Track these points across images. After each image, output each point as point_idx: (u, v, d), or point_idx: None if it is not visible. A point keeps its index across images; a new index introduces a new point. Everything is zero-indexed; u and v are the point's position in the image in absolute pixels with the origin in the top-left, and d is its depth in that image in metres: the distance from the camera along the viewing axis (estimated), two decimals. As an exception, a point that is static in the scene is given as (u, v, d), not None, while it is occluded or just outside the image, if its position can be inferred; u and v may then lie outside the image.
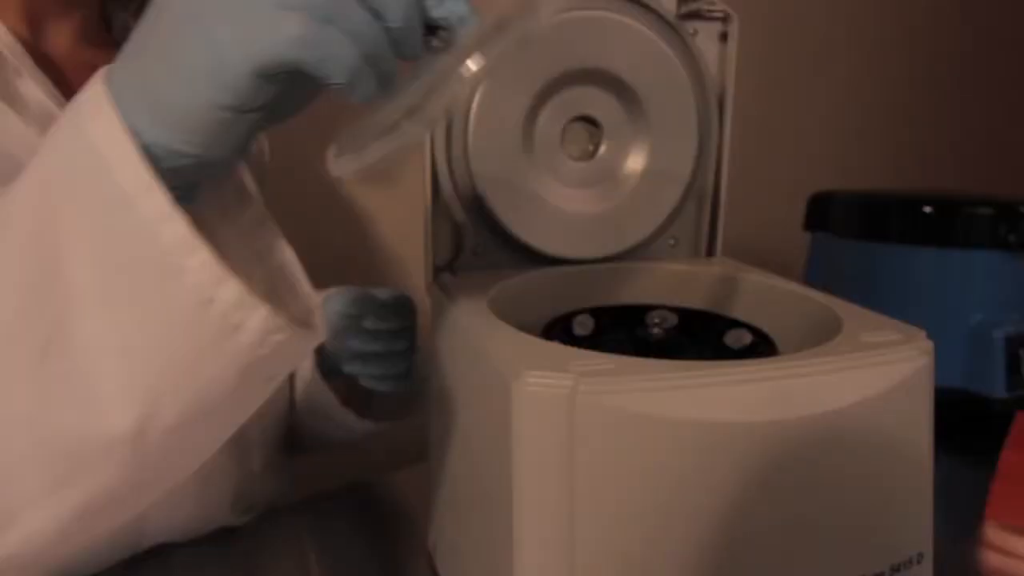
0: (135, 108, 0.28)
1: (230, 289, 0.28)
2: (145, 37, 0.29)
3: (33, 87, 0.46)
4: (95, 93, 0.29)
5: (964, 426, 0.68)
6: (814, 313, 0.43)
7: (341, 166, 0.31)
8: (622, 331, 0.46)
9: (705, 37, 0.54)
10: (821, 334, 0.39)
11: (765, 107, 1.17)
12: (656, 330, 0.45)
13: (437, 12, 0.30)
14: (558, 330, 0.44)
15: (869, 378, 0.36)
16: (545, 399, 0.32)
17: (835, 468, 0.35)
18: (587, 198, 0.53)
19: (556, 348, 0.37)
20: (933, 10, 1.35)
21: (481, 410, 0.39)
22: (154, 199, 0.27)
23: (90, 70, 0.35)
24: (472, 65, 0.28)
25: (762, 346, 0.42)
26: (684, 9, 0.53)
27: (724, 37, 0.54)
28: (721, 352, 0.42)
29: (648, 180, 0.54)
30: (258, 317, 0.29)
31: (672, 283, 0.52)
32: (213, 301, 0.28)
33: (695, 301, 0.50)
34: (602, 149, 0.53)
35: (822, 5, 1.21)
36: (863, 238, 0.75)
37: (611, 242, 0.53)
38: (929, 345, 0.38)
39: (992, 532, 0.57)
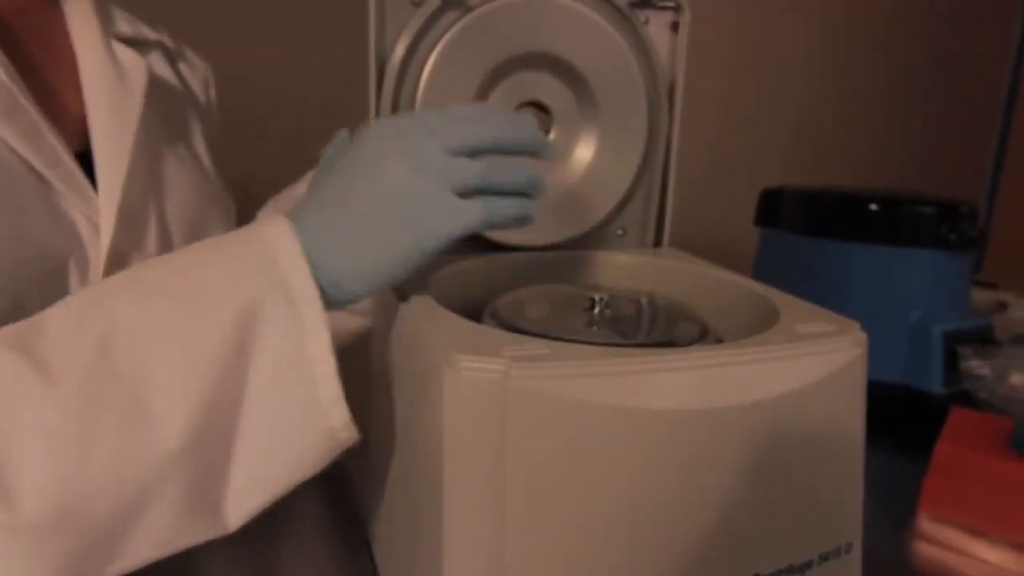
0: (331, 265, 0.36)
1: (345, 419, 0.35)
2: (343, 205, 0.37)
3: None
4: (294, 252, 0.35)
5: (902, 420, 0.69)
6: (752, 303, 0.43)
7: None
8: (567, 317, 0.46)
9: (657, 26, 0.54)
10: (758, 324, 0.39)
11: (722, 103, 1.18)
12: (600, 316, 0.45)
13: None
14: (502, 316, 0.44)
15: (802, 368, 0.36)
16: (476, 384, 0.31)
17: (768, 456, 0.35)
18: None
19: (491, 333, 0.36)
20: (891, 14, 1.37)
21: (415, 395, 0.38)
22: (332, 385, 0.35)
23: (36, 30, 0.49)
24: None
25: (701, 335, 0.42)
26: None
27: (675, 27, 0.54)
28: (660, 340, 0.42)
29: (597, 168, 0.53)
30: (352, 434, 0.36)
31: (616, 272, 0.52)
32: (335, 436, 0.36)
33: (639, 290, 0.50)
34: (551, 136, 0.53)
35: (780, 2, 1.22)
36: (810, 234, 0.76)
37: (558, 230, 0.53)
38: (863, 337, 0.38)
39: (925, 524, 0.58)
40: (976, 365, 0.68)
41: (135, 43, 0.54)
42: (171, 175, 0.53)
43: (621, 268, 0.52)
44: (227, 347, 0.33)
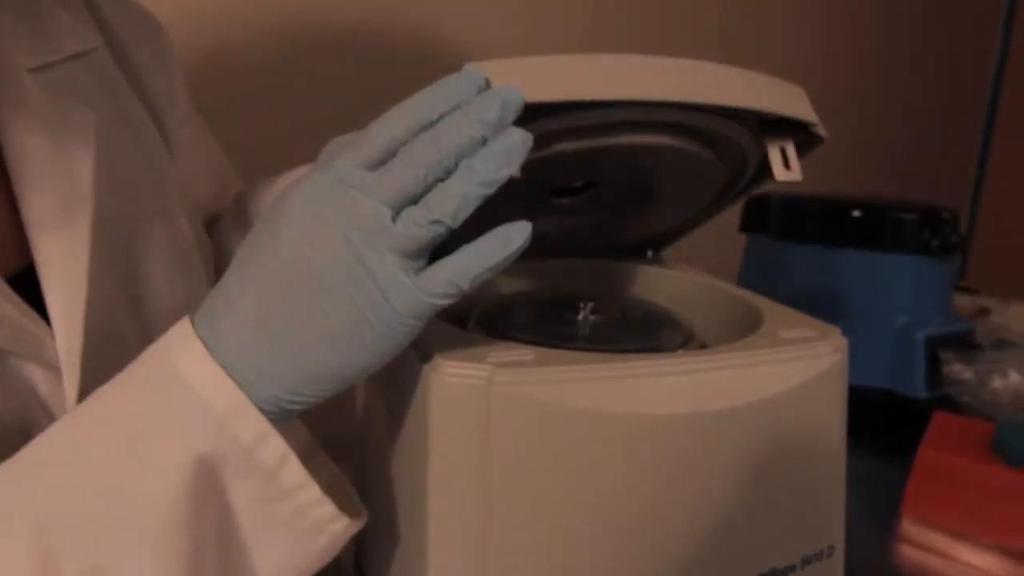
0: (275, 380, 0.30)
1: (344, 524, 0.32)
2: (262, 321, 0.30)
3: None
4: (227, 391, 0.30)
5: (886, 424, 0.70)
6: (736, 309, 0.44)
7: None
8: (552, 323, 0.46)
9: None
10: (741, 329, 0.40)
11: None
12: (585, 322, 0.46)
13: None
14: (488, 321, 0.44)
15: (785, 372, 0.36)
16: (460, 389, 0.32)
17: (750, 461, 0.35)
18: (549, 223, 0.48)
19: (477, 338, 0.36)
20: (875, 22, 1.39)
21: (401, 400, 0.38)
22: (323, 506, 0.31)
23: None
24: None
25: (685, 340, 0.42)
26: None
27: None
28: (645, 345, 0.43)
29: (618, 233, 0.51)
30: (349, 529, 0.33)
31: (602, 278, 0.52)
32: (338, 539, 0.33)
33: (624, 296, 0.51)
34: (586, 195, 0.47)
35: (772, 16, 1.24)
36: (795, 240, 0.76)
37: (555, 253, 0.52)
38: (843, 342, 0.38)
39: (908, 527, 0.58)
40: (958, 369, 0.69)
41: (75, 57, 0.41)
42: (143, 258, 0.41)
43: (607, 274, 0.53)
44: (187, 517, 0.29)
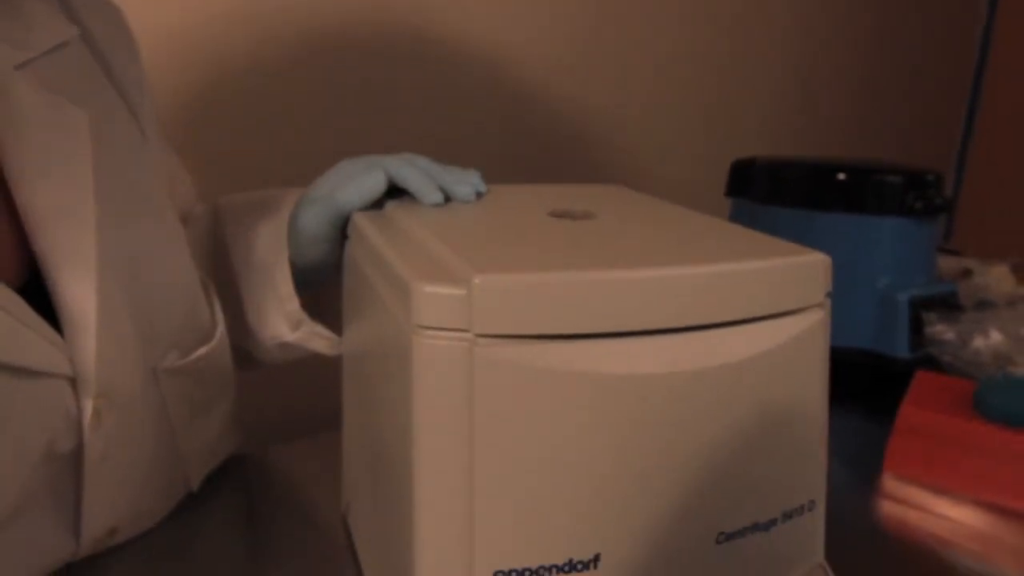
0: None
1: None
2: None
3: None
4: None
5: (870, 385, 0.71)
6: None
7: None
8: None
9: None
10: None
11: (694, 78, 1.18)
12: None
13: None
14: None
15: (767, 331, 0.36)
16: (444, 353, 0.32)
17: (732, 420, 0.36)
18: None
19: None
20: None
21: (384, 365, 0.38)
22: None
23: None
24: None
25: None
26: None
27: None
28: None
29: None
30: None
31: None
32: None
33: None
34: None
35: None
36: (779, 203, 0.77)
37: None
38: (826, 301, 0.39)
39: (889, 482, 0.60)
40: (941, 330, 0.70)
41: (55, 50, 0.40)
42: (141, 256, 0.41)
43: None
44: None
